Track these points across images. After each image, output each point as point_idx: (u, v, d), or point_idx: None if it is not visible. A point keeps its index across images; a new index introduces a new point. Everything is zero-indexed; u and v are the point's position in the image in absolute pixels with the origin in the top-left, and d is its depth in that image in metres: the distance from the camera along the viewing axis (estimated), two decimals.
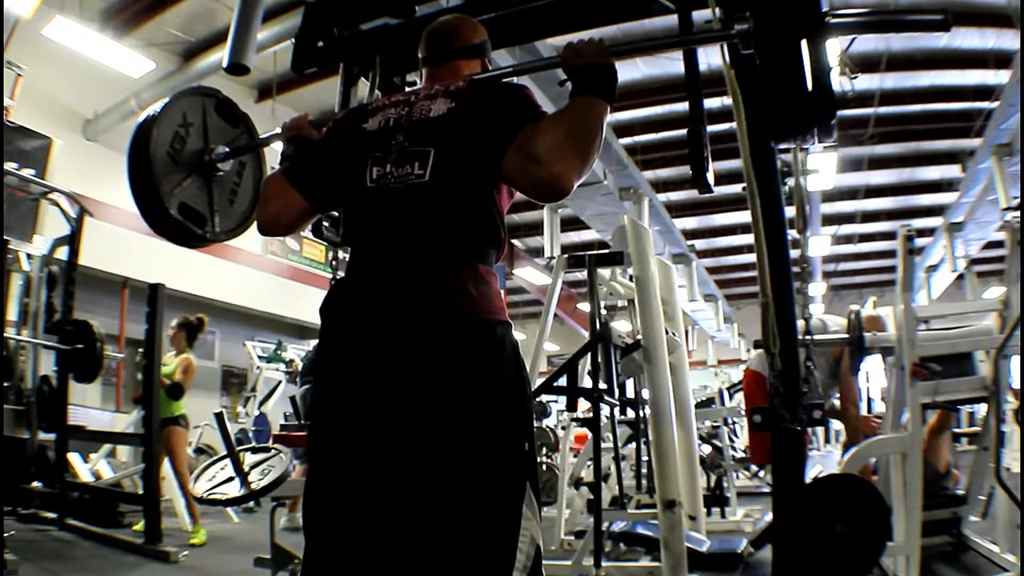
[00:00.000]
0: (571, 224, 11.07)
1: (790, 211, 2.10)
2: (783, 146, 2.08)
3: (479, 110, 1.37)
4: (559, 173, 1.25)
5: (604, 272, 4.14)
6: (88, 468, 5.68)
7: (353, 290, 1.36)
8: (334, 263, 2.42)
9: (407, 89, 1.60)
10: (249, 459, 3.00)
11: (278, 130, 1.76)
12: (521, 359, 1.35)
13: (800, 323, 2.13)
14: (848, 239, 14.04)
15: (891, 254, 11.99)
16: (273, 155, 1.80)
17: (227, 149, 2.02)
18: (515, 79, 1.64)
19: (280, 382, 8.61)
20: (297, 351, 9.09)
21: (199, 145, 1.98)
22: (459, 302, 1.27)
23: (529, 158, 1.26)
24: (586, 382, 3.73)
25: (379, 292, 1.30)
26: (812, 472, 4.18)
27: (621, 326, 4.86)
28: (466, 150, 1.34)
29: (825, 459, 8.91)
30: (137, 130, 1.89)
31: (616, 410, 4.21)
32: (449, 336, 1.25)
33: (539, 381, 4.39)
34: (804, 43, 1.52)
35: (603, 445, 3.91)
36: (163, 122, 1.88)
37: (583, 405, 4.18)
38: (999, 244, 6.03)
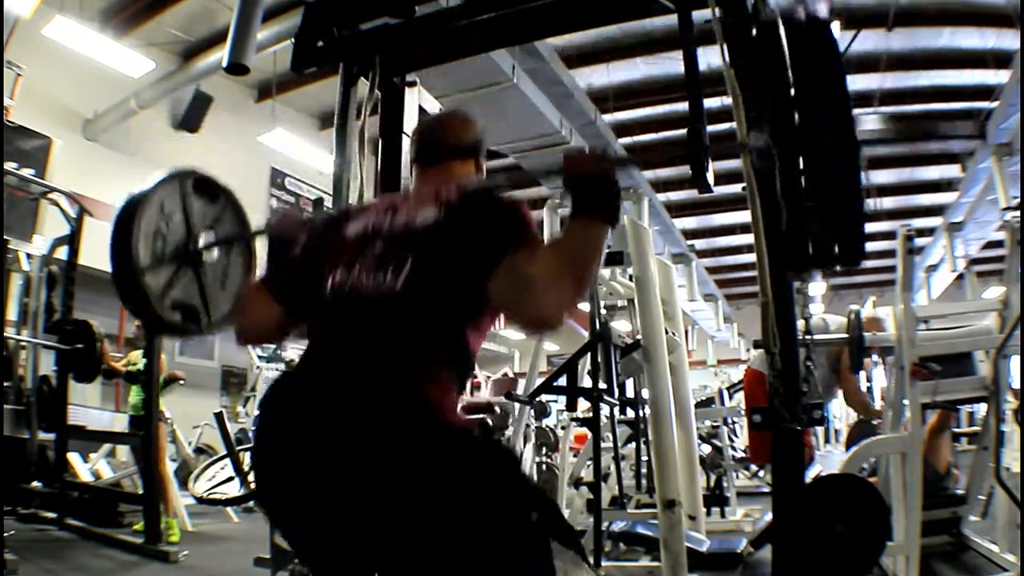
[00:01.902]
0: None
1: None
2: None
3: (468, 225, 1.27)
4: (550, 308, 1.16)
5: (604, 272, 4.14)
6: (88, 468, 5.69)
7: (300, 391, 1.26)
8: None
9: (393, 195, 1.50)
10: (249, 459, 3.00)
11: (264, 223, 1.67)
12: (506, 466, 1.23)
13: (800, 323, 2.14)
14: None
15: (891, 254, 11.98)
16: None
17: (213, 239, 1.90)
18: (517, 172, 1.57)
19: None
20: (297, 351, 9.09)
21: (183, 235, 1.86)
22: (416, 407, 1.18)
23: (519, 287, 1.16)
24: (586, 382, 3.73)
25: (330, 399, 1.20)
26: (812, 472, 4.19)
27: (621, 326, 4.86)
28: (447, 265, 1.25)
29: (825, 459, 8.90)
30: (115, 237, 1.76)
31: (616, 410, 4.21)
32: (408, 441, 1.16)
33: (539, 381, 4.39)
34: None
35: (603, 445, 3.91)
36: (142, 222, 1.75)
37: (583, 405, 4.18)
38: (999, 244, 6.03)
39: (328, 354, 1.28)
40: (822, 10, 1.27)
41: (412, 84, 2.63)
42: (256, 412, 1.30)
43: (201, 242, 1.89)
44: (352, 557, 1.19)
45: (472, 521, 1.13)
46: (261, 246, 1.82)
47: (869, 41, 7.76)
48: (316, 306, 1.34)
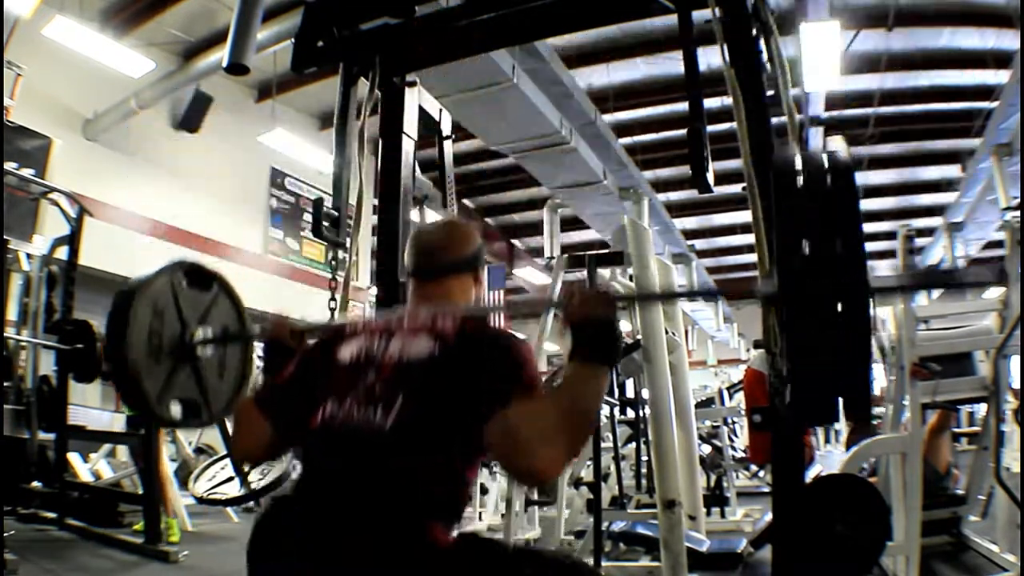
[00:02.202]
0: (571, 224, 11.07)
1: None
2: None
3: (464, 366, 1.25)
4: (542, 466, 1.14)
5: (604, 272, 4.14)
6: (88, 468, 5.69)
7: (293, 528, 1.24)
8: (334, 263, 2.42)
9: (390, 314, 1.47)
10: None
11: (259, 329, 1.66)
12: None
13: None
14: None
15: (891, 254, 11.98)
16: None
17: (208, 334, 1.90)
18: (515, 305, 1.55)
19: None
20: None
21: (177, 330, 1.87)
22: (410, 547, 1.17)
23: (512, 442, 1.15)
24: None
25: (323, 536, 1.18)
26: (812, 472, 4.19)
27: (621, 326, 4.86)
28: (438, 407, 1.23)
29: (825, 459, 8.90)
30: (110, 342, 1.77)
31: (616, 410, 4.21)
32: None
33: None
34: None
35: (603, 445, 3.92)
36: (135, 325, 1.75)
37: None
38: (999, 244, 6.02)
39: (320, 490, 1.26)
40: (844, 158, 1.24)
41: (412, 84, 2.63)
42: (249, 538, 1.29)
43: (197, 336, 1.88)
44: None
45: None
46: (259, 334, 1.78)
47: (869, 41, 7.77)
48: (308, 435, 1.32)
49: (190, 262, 1.98)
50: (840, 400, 1.22)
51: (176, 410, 1.88)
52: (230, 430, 3.89)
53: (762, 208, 1.84)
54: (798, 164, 1.26)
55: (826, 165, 1.23)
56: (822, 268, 1.18)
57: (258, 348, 1.77)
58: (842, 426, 6.75)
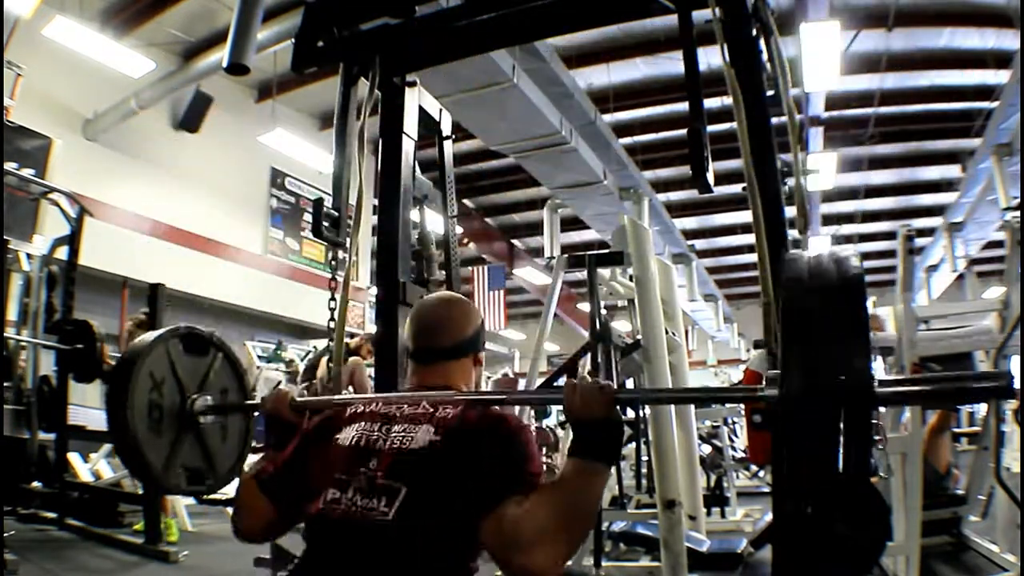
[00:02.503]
0: (571, 224, 11.08)
1: (790, 211, 2.10)
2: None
3: (464, 457, 1.25)
4: (540, 565, 1.14)
5: (604, 272, 4.14)
6: (88, 468, 5.68)
7: None
8: (334, 263, 2.41)
9: (392, 396, 1.46)
10: (249, 459, 2.99)
11: (259, 400, 1.65)
12: None
13: None
14: (848, 239, 14.04)
15: (891, 254, 11.99)
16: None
17: (208, 404, 1.90)
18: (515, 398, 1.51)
19: (280, 382, 8.60)
20: (297, 351, 9.10)
21: (176, 399, 1.86)
22: None
23: (509, 540, 1.14)
24: None
25: None
26: None
27: (621, 326, 4.86)
28: (440, 499, 1.22)
29: None
30: (110, 416, 1.76)
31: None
32: None
33: (539, 381, 4.39)
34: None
35: None
36: (134, 399, 1.75)
37: None
38: (999, 244, 6.02)
39: None
40: (855, 267, 1.24)
41: (412, 84, 2.63)
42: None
43: (198, 406, 1.88)
44: None
45: None
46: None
47: (869, 41, 7.77)
48: (308, 521, 1.32)
49: (185, 327, 1.98)
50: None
51: (182, 479, 1.89)
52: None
53: (763, 211, 1.84)
54: (806, 268, 1.25)
55: (835, 275, 1.22)
56: (826, 380, 1.17)
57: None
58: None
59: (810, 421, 1.16)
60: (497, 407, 1.39)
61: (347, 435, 1.36)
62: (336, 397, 1.74)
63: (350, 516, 1.25)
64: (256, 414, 1.93)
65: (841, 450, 1.16)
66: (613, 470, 4.53)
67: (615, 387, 1.28)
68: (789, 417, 1.20)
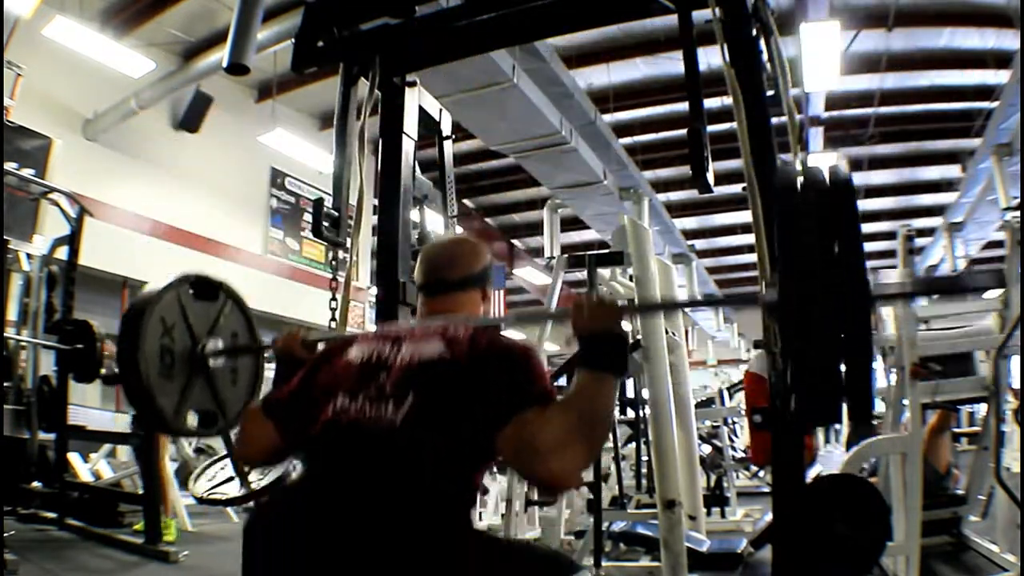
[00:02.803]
0: (571, 224, 11.07)
1: None
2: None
3: (476, 373, 1.26)
4: (562, 470, 1.15)
5: (604, 272, 4.14)
6: (88, 468, 5.68)
7: (293, 516, 1.24)
8: (334, 263, 2.42)
9: (398, 324, 1.47)
10: None
11: (269, 342, 1.66)
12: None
13: None
14: None
15: (891, 254, 11.99)
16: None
17: (218, 347, 1.93)
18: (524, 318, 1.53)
19: None
20: None
21: (187, 344, 1.89)
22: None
23: (529, 448, 1.16)
24: None
25: (324, 531, 1.18)
26: (812, 472, 4.19)
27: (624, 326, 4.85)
28: (449, 406, 1.24)
29: (825, 459, 8.91)
30: (121, 362, 1.79)
31: (616, 410, 4.21)
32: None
33: None
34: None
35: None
36: (146, 344, 1.77)
37: None
38: (999, 244, 6.02)
39: (325, 479, 1.27)
40: (844, 173, 1.25)
41: (412, 84, 2.63)
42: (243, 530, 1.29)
43: (208, 349, 1.90)
44: None
45: None
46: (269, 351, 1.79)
47: (869, 41, 7.77)
48: (314, 431, 1.32)
49: (195, 274, 2.00)
50: (844, 402, 1.22)
51: (193, 421, 1.89)
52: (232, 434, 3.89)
53: (763, 209, 1.84)
54: (800, 179, 1.27)
55: (827, 180, 1.24)
56: (824, 278, 1.18)
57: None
58: (842, 426, 6.76)
59: (810, 323, 1.16)
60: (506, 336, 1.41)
61: (357, 353, 1.38)
62: (348, 332, 1.74)
63: (359, 421, 1.26)
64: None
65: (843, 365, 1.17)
66: (613, 469, 4.55)
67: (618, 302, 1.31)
68: (788, 320, 1.21)
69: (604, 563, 3.43)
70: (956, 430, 5.66)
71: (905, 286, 1.32)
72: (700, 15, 2.08)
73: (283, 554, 1.19)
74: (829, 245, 1.19)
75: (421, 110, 2.69)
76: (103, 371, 4.64)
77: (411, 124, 2.60)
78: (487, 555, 1.24)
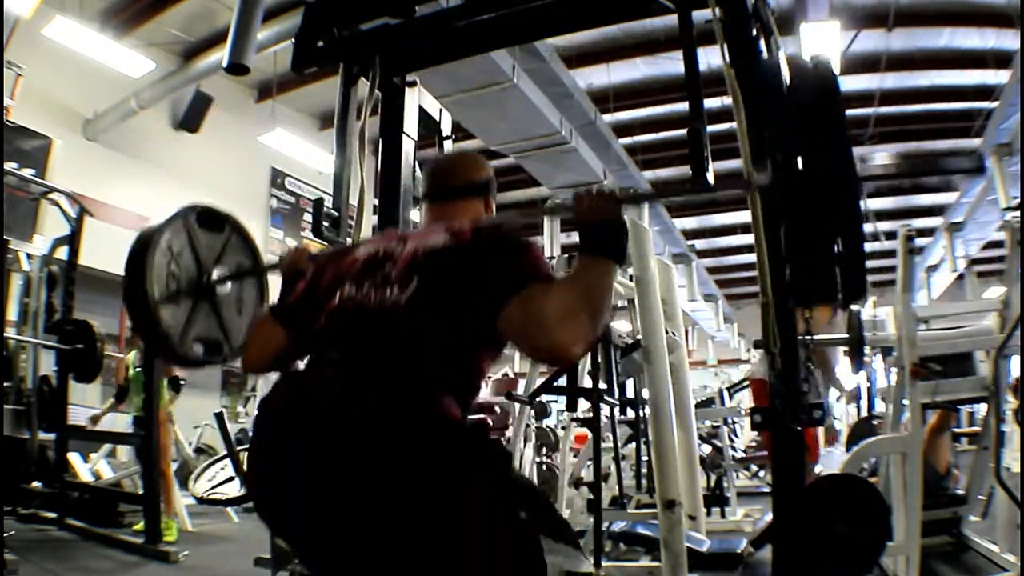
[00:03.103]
0: (571, 224, 11.07)
1: None
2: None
3: (480, 257, 1.29)
4: (566, 341, 1.16)
5: None
6: (88, 468, 5.69)
7: (299, 397, 1.25)
8: None
9: (404, 230, 1.52)
10: (246, 460, 2.99)
11: (277, 260, 1.66)
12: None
13: (800, 323, 2.13)
14: None
15: (891, 254, 12.00)
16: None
17: (224, 272, 1.94)
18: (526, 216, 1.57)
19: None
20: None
21: (194, 271, 1.91)
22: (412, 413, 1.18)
23: (533, 322, 1.17)
24: (586, 382, 3.73)
25: (328, 408, 1.18)
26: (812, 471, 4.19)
27: (621, 326, 4.86)
28: (453, 288, 1.27)
29: (825, 459, 8.92)
30: (127, 284, 1.80)
31: (616, 410, 4.21)
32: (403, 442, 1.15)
33: (539, 381, 4.39)
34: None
35: (603, 445, 3.91)
36: (152, 267, 1.79)
37: (583, 405, 4.18)
38: (999, 244, 6.02)
39: (331, 358, 1.30)
40: (828, 63, 1.29)
41: (412, 84, 2.63)
42: (256, 411, 1.30)
43: (214, 276, 1.91)
44: (347, 558, 1.19)
45: (459, 520, 1.13)
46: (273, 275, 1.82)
47: (869, 41, 7.76)
48: (321, 319, 1.35)
49: (203, 205, 2.01)
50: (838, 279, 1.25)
51: (198, 349, 1.91)
52: (229, 429, 3.89)
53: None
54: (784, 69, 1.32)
55: (810, 66, 1.30)
56: (811, 160, 1.22)
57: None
58: (842, 426, 6.77)
59: (803, 203, 1.20)
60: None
61: (364, 251, 1.43)
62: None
63: (364, 305, 1.30)
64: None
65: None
66: (613, 469, 4.54)
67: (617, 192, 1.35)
68: (781, 202, 1.23)
69: (604, 563, 3.42)
70: (956, 430, 5.65)
71: (889, 168, 1.40)
72: (700, 15, 2.08)
73: (287, 440, 1.21)
74: (815, 131, 1.24)
75: (421, 110, 2.69)
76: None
77: (411, 124, 2.60)
78: (488, 442, 1.27)
